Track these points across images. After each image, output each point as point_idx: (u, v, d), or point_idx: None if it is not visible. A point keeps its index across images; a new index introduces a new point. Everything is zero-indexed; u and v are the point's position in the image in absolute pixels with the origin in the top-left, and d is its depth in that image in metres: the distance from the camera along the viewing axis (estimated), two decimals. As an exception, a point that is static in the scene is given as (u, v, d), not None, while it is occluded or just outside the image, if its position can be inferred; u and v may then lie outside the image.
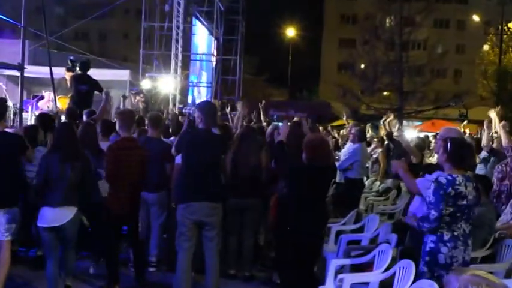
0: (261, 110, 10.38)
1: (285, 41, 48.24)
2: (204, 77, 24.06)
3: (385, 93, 35.46)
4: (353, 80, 35.44)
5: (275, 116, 20.23)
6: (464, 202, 4.52)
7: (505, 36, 35.55)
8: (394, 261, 5.27)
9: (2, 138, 5.78)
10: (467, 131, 15.57)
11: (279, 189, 6.45)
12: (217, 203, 5.93)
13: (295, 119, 10.94)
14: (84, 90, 11.27)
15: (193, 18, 22.38)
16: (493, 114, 8.70)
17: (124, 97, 13.00)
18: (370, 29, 33.21)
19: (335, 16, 54.34)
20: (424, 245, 4.71)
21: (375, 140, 12.82)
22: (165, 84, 17.28)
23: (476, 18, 40.98)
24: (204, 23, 23.41)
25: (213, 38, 24.38)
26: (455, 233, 4.56)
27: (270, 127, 8.64)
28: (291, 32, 47.83)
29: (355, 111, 32.77)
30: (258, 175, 6.98)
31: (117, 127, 6.47)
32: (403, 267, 4.79)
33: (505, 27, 36.09)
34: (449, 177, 4.52)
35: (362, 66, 38.44)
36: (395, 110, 31.51)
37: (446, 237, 4.58)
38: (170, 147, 6.54)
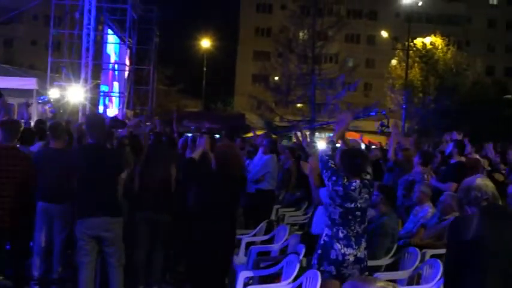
0: (173, 121, 10.26)
1: (200, 52, 48.17)
2: (116, 87, 23.56)
3: (298, 105, 36.10)
4: (267, 92, 35.83)
5: (192, 128, 20.08)
6: (353, 205, 4.70)
7: (411, 51, 37.12)
8: (303, 271, 5.31)
9: None
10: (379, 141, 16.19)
11: (188, 199, 6.36)
12: (115, 218, 5.80)
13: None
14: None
15: (106, 27, 21.90)
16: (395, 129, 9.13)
17: (27, 105, 12.45)
18: (284, 42, 33.76)
19: (250, 28, 54.90)
20: (320, 238, 4.87)
21: (287, 151, 12.94)
22: (74, 93, 16.75)
23: (385, 34, 42.57)
24: (117, 31, 22.94)
25: (126, 47, 23.94)
26: (349, 233, 4.73)
27: (182, 138, 8.54)
28: (206, 43, 47.83)
29: (269, 122, 33.14)
30: (167, 188, 6.84)
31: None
32: (310, 278, 4.83)
33: (411, 43, 37.71)
34: (346, 183, 4.69)
35: (276, 78, 38.98)
36: (307, 121, 32.19)
37: (341, 235, 4.75)
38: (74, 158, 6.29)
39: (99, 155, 5.79)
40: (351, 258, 4.74)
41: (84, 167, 5.75)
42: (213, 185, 5.46)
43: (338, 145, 5.47)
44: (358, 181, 4.76)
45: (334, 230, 4.78)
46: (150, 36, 26.27)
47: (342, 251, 4.74)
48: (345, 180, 4.76)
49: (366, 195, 4.82)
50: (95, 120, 6.16)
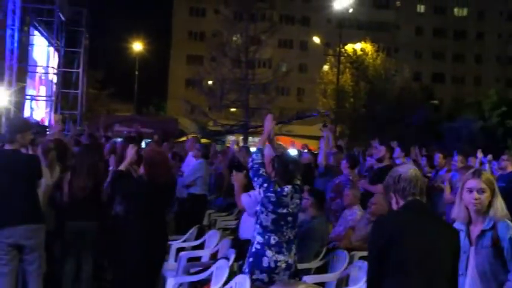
0: (100, 127, 10.01)
1: (132, 55, 47.42)
2: (43, 91, 22.82)
3: (232, 109, 36.12)
4: (201, 96, 35.66)
5: (124, 132, 19.69)
6: (285, 211, 4.71)
7: (342, 57, 37.86)
8: (234, 276, 5.25)
9: None
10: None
11: (114, 208, 6.20)
12: (36, 225, 5.58)
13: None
14: None
15: (32, 28, 21.18)
16: (326, 132, 9.22)
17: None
18: (217, 47, 33.71)
19: (183, 32, 54.56)
20: (251, 246, 4.85)
21: (219, 155, 12.90)
22: (-2, 96, 16.09)
23: (317, 39, 43.26)
24: (44, 33, 22.24)
25: (54, 50, 23.24)
26: (281, 239, 4.73)
27: (108, 144, 8.33)
28: (138, 46, 47.13)
29: (202, 127, 32.99)
30: (95, 196, 6.62)
31: None
32: (239, 283, 4.78)
33: (343, 49, 38.47)
34: (278, 189, 4.70)
35: (210, 82, 38.88)
36: (241, 126, 32.27)
37: (272, 242, 4.74)
38: None
39: (11, 161, 5.56)
40: (283, 265, 4.74)
41: None
42: (142, 195, 5.36)
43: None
44: (289, 187, 4.78)
45: (266, 237, 4.77)
46: (79, 38, 25.57)
47: (274, 258, 4.73)
48: (277, 186, 4.76)
49: (297, 200, 4.86)
50: (10, 124, 5.89)
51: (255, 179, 4.86)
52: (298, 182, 4.93)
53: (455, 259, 3.32)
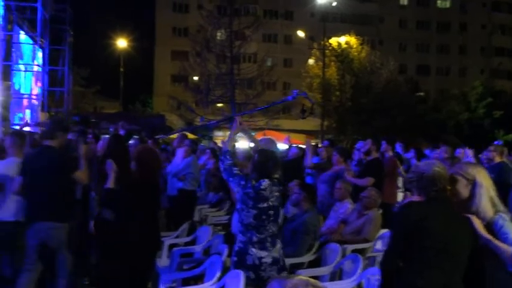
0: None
1: (116, 52, 47.21)
2: (29, 89, 22.63)
3: (218, 105, 36.10)
4: (187, 92, 35.60)
5: (111, 129, 19.56)
6: (265, 205, 4.73)
7: (327, 51, 37.91)
8: (227, 271, 5.28)
9: None
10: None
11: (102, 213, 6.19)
12: (60, 223, 5.84)
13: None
14: None
15: (16, 26, 21.00)
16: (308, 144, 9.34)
17: None
18: (202, 42, 33.64)
19: (167, 28, 54.30)
20: (235, 244, 4.88)
21: (208, 151, 12.89)
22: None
23: (301, 33, 43.29)
24: (28, 31, 22.05)
25: (38, 48, 23.06)
26: (264, 235, 4.76)
27: (101, 141, 8.31)
28: (122, 43, 46.88)
29: (189, 123, 32.96)
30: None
31: None
32: (233, 277, 4.81)
33: (327, 43, 38.52)
34: (255, 184, 4.73)
35: (195, 78, 38.79)
36: (228, 120, 32.21)
37: (255, 239, 4.76)
38: None
39: (53, 157, 5.81)
40: (268, 261, 4.74)
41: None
42: (133, 202, 5.35)
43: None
44: (267, 180, 4.78)
45: (248, 234, 4.77)
46: (63, 36, 25.37)
47: (258, 254, 4.73)
48: (254, 181, 4.79)
49: (277, 193, 4.84)
50: (59, 123, 6.17)
51: (231, 179, 4.88)
52: (277, 176, 4.94)
53: (469, 253, 3.47)
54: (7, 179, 6.04)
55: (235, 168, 4.91)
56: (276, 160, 4.98)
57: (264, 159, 4.88)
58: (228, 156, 4.98)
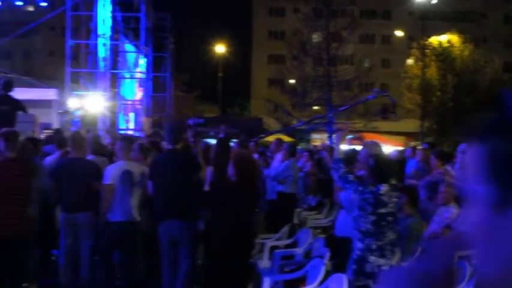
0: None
1: (215, 57, 48.32)
2: (134, 95, 23.70)
3: (315, 107, 36.01)
4: (283, 95, 35.79)
5: (211, 133, 20.10)
6: (384, 210, 4.63)
7: (427, 50, 36.84)
8: (328, 274, 5.28)
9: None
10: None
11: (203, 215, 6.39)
12: (187, 222, 6.18)
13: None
14: (5, 111, 10.81)
15: (121, 36, 22.06)
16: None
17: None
18: (298, 45, 33.71)
19: (263, 32, 54.93)
20: (352, 252, 4.80)
21: (305, 153, 12.94)
22: (93, 103, 16.88)
23: (399, 33, 42.35)
24: (132, 40, 23.12)
25: (142, 56, 24.11)
26: (383, 242, 4.65)
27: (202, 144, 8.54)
28: (220, 48, 47.94)
29: (286, 126, 33.09)
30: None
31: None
32: (335, 281, 4.80)
33: (427, 42, 37.43)
34: (373, 188, 4.65)
35: (292, 81, 38.92)
36: (326, 123, 32.08)
37: (374, 246, 4.65)
38: (97, 166, 6.43)
39: (180, 159, 6.21)
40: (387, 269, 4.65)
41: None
42: (233, 204, 5.48)
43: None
44: (385, 185, 4.70)
45: (367, 241, 4.68)
46: (165, 43, 26.42)
47: (377, 262, 4.64)
48: (371, 186, 4.70)
49: (395, 199, 4.77)
50: (179, 126, 6.44)
51: (347, 186, 4.83)
52: (393, 182, 4.87)
53: None
54: (118, 181, 6.37)
55: (350, 175, 4.85)
56: (391, 165, 4.90)
57: (380, 164, 4.81)
58: (341, 165, 4.93)
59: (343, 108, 26.18)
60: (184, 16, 49.70)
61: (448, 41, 37.56)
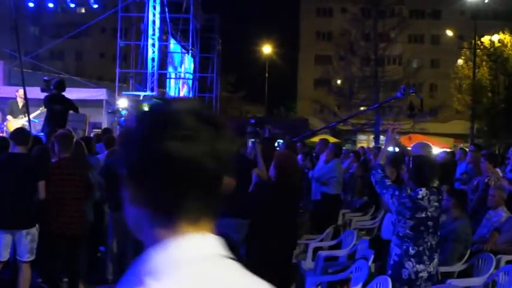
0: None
1: (262, 58, 48.50)
2: (181, 95, 24.04)
3: (361, 108, 35.72)
4: (330, 96, 35.63)
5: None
6: (424, 215, 4.52)
7: (478, 50, 36.01)
8: (372, 277, 5.24)
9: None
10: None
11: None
12: (242, 220, 6.09)
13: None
14: (58, 110, 11.11)
15: (170, 37, 22.40)
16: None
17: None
18: (346, 45, 33.52)
19: (311, 33, 54.75)
20: (389, 258, 4.70)
21: (351, 155, 12.85)
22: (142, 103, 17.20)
23: (449, 33, 41.52)
24: (180, 41, 23.43)
25: (190, 56, 24.41)
26: (421, 248, 4.53)
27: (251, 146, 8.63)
28: (267, 49, 48.08)
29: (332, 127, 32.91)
30: None
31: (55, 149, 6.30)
32: (380, 283, 4.76)
33: (478, 42, 36.58)
34: (411, 193, 4.54)
35: (338, 82, 38.71)
36: (372, 124, 31.78)
37: (411, 252, 4.54)
38: None
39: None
40: (424, 276, 4.50)
41: None
42: (273, 204, 5.49)
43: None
44: (423, 189, 4.54)
45: (404, 247, 4.54)
46: (212, 44, 26.69)
47: (414, 269, 4.50)
48: (409, 190, 4.59)
49: (436, 203, 4.58)
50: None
51: (384, 191, 4.70)
52: (435, 185, 4.73)
53: None
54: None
55: (387, 180, 4.76)
56: (433, 167, 4.75)
57: (420, 166, 4.67)
58: (379, 170, 4.85)
59: (371, 107, 25.90)
60: (232, 17, 50.00)
61: (500, 41, 36.62)
